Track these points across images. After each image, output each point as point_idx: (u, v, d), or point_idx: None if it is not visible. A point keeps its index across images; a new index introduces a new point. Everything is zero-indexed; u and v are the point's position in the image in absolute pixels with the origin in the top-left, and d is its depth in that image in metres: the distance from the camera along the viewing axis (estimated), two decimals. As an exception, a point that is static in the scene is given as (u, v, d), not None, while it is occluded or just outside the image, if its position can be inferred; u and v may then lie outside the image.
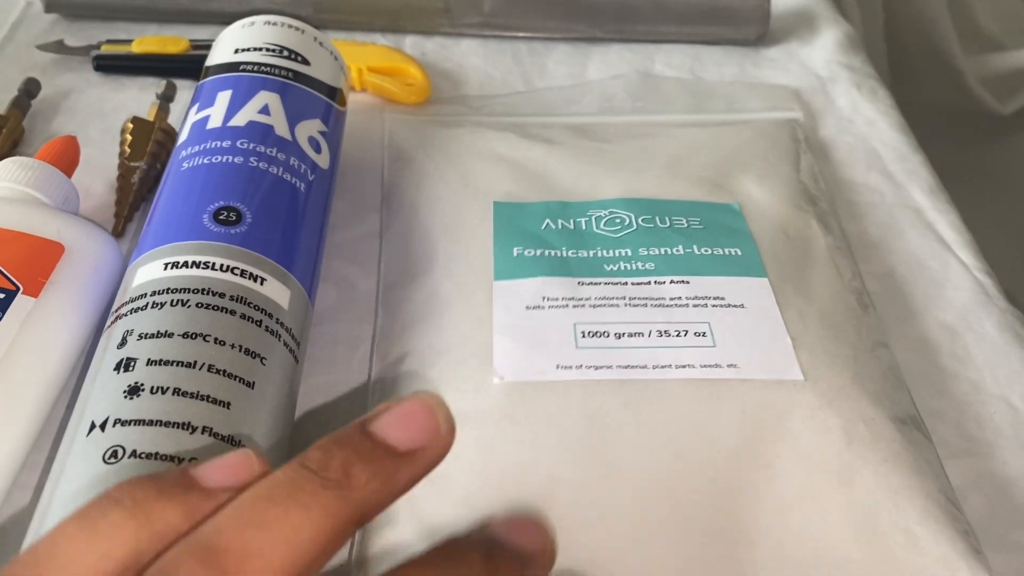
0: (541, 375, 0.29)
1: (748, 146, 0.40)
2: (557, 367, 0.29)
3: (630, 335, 0.30)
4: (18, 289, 0.30)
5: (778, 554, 0.26)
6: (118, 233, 0.38)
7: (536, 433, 0.27)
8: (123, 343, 0.26)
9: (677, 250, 0.33)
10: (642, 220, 0.35)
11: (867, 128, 0.46)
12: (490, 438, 0.27)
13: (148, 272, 0.28)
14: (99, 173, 0.40)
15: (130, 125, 0.40)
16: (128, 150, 0.40)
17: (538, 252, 0.34)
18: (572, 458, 0.27)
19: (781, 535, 0.26)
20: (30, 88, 0.44)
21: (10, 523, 0.28)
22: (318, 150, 0.35)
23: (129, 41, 0.47)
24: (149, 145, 0.40)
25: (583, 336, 0.30)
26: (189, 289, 0.27)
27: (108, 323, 0.28)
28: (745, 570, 0.26)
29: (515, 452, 0.27)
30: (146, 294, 0.27)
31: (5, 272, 0.30)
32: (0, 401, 0.28)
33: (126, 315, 0.27)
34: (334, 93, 0.38)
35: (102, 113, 0.44)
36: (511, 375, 0.29)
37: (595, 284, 0.32)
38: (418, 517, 0.27)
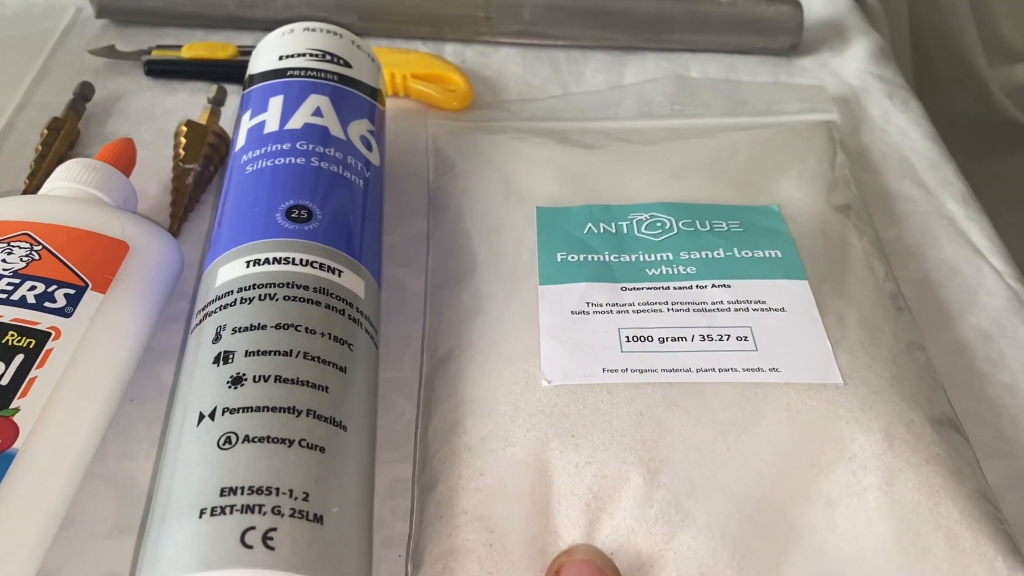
0: (588, 378, 0.30)
1: (787, 148, 0.41)
2: (603, 371, 0.30)
3: (673, 339, 0.31)
4: (87, 285, 0.31)
5: (823, 550, 0.27)
6: (174, 233, 0.39)
7: (587, 429, 0.28)
8: (218, 338, 0.27)
9: (718, 253, 0.34)
10: (683, 224, 0.36)
11: (900, 137, 0.47)
12: (543, 432, 0.28)
13: (231, 271, 0.29)
14: (153, 174, 0.42)
15: (184, 128, 0.42)
16: (183, 152, 0.41)
17: (581, 257, 0.34)
18: (622, 454, 0.28)
19: (826, 532, 0.27)
20: (85, 91, 0.45)
21: (87, 515, 0.29)
22: (369, 148, 0.36)
23: (178, 46, 0.49)
24: (203, 148, 0.41)
25: (628, 341, 0.31)
26: (274, 284, 0.29)
27: (195, 323, 0.29)
28: (792, 565, 0.27)
29: (566, 446, 0.28)
30: (232, 291, 0.29)
31: (75, 269, 0.31)
32: (74, 392, 0.29)
33: (215, 312, 0.28)
34: (375, 93, 0.39)
35: (153, 116, 0.46)
36: (559, 379, 0.30)
37: (638, 289, 0.33)
38: (470, 511, 0.27)
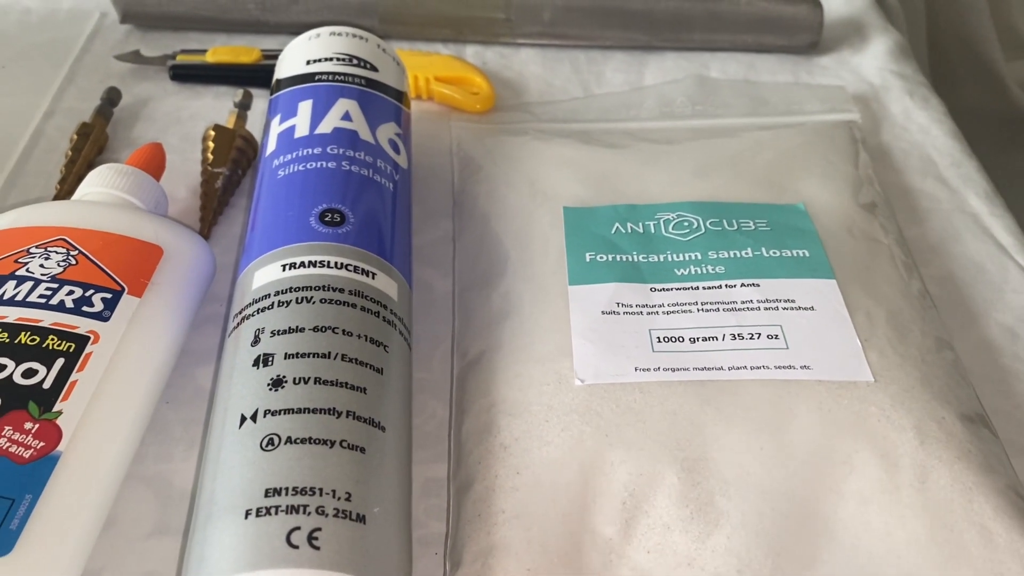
0: (620, 377, 0.30)
1: (810, 147, 0.41)
2: (635, 369, 0.30)
3: (704, 339, 0.31)
4: (123, 289, 0.31)
5: (857, 547, 0.27)
6: (205, 236, 0.39)
7: (620, 428, 0.29)
8: (256, 341, 0.28)
9: (746, 253, 0.35)
10: (710, 223, 0.36)
11: (921, 135, 0.47)
12: (577, 431, 0.29)
13: (267, 274, 0.30)
14: (181, 179, 0.42)
15: (212, 133, 0.42)
16: (211, 156, 0.41)
17: (610, 257, 0.35)
18: (657, 453, 0.28)
19: (860, 529, 0.27)
20: (112, 97, 0.46)
21: (127, 516, 0.30)
22: (397, 151, 0.37)
23: (203, 51, 0.49)
24: (231, 152, 0.41)
25: (659, 341, 0.31)
26: (311, 287, 0.29)
27: (232, 326, 0.30)
28: (826, 562, 0.27)
29: (601, 446, 0.28)
30: (269, 294, 0.29)
31: (111, 273, 0.32)
32: (114, 395, 0.29)
33: (253, 315, 0.29)
34: (401, 96, 0.40)
35: (180, 120, 0.46)
36: (592, 378, 0.30)
37: (667, 290, 0.33)
38: (507, 509, 0.28)
